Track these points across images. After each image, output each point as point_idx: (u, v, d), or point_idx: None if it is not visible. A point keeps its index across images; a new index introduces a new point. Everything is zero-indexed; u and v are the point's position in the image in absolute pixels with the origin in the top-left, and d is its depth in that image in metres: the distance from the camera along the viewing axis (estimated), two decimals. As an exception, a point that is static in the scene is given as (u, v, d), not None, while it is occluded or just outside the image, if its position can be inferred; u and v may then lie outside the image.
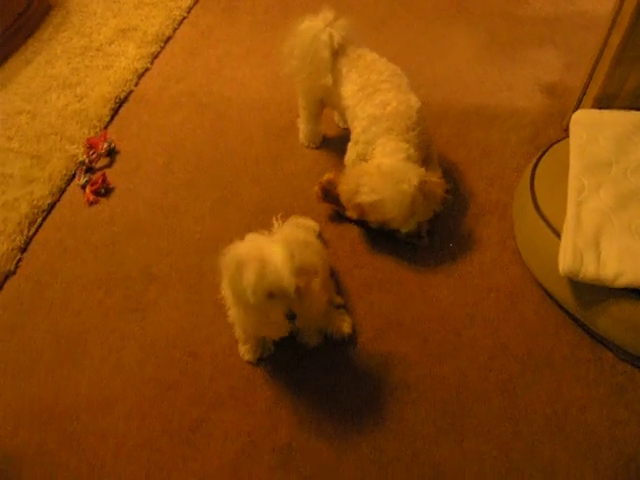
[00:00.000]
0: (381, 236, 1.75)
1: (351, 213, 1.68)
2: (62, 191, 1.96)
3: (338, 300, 1.57)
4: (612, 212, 1.48)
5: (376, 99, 1.61)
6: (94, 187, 1.93)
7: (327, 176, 1.73)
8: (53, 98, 2.29)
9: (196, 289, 1.67)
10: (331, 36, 1.69)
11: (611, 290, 1.39)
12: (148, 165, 2.05)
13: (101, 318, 1.62)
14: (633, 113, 1.74)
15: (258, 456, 1.34)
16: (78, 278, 1.72)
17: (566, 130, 1.78)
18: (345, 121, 1.94)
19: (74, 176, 1.99)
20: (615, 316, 1.40)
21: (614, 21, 1.74)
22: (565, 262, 1.40)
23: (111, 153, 2.08)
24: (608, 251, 1.40)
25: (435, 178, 1.55)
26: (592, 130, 1.70)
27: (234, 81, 2.37)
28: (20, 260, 1.77)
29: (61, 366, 1.53)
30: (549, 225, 1.54)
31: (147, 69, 2.45)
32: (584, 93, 1.95)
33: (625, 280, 1.35)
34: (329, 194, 1.73)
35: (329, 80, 1.72)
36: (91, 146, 2.04)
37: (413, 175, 1.49)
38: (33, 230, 1.83)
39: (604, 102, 1.85)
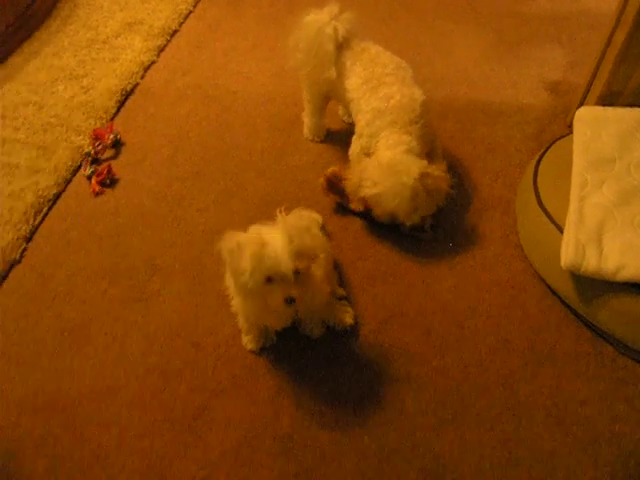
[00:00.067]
0: (384, 229, 1.76)
1: (355, 205, 1.69)
2: (68, 182, 1.97)
3: (341, 292, 1.58)
4: (615, 207, 1.48)
5: (380, 92, 1.62)
6: (99, 178, 1.94)
7: (332, 169, 1.74)
8: (60, 89, 2.30)
9: (199, 280, 1.68)
10: (336, 29, 1.70)
11: (612, 284, 1.40)
12: (153, 157, 2.06)
13: (105, 308, 1.64)
14: (637, 110, 1.74)
15: (259, 444, 1.36)
16: (82, 268, 1.74)
17: (570, 127, 1.79)
18: (349, 115, 1.96)
19: (80, 167, 2.01)
20: (616, 310, 1.41)
21: (618, 19, 1.74)
22: (567, 256, 1.40)
23: (117, 144, 2.09)
24: (610, 246, 1.41)
25: (439, 172, 1.56)
26: (596, 127, 1.70)
27: (240, 74, 2.38)
28: (25, 249, 1.78)
29: (64, 355, 1.54)
30: (552, 220, 1.55)
31: (153, 62, 2.46)
32: (588, 90, 1.95)
33: (626, 274, 1.35)
34: (334, 186, 1.74)
35: (333, 73, 1.73)
36: (97, 137, 2.05)
37: (413, 167, 1.50)
38: (39, 220, 1.85)
39: (608, 99, 1.86)
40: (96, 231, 1.83)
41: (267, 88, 2.32)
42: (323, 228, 1.71)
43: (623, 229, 1.44)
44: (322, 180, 1.75)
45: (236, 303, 1.40)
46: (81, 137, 2.09)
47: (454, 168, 1.92)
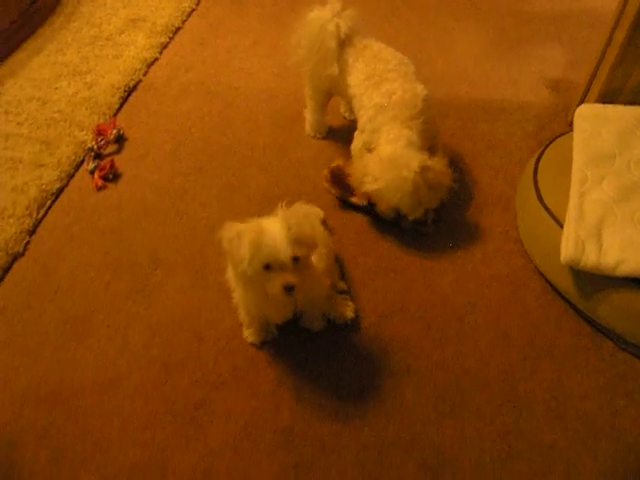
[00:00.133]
0: (385, 225, 1.77)
1: (357, 200, 1.70)
2: (71, 176, 1.99)
3: (342, 286, 1.59)
4: (614, 203, 1.49)
5: (382, 88, 1.63)
6: (102, 173, 1.95)
7: (336, 163, 1.77)
8: (63, 85, 2.32)
9: (201, 274, 1.69)
10: (338, 26, 1.71)
11: (611, 279, 1.41)
12: (156, 152, 2.07)
13: (107, 300, 1.65)
14: (637, 108, 1.75)
15: (260, 436, 1.36)
16: (85, 261, 1.75)
17: (570, 125, 1.80)
18: (351, 112, 1.97)
19: (83, 162, 2.02)
20: (615, 305, 1.42)
21: (618, 18, 1.75)
22: (567, 251, 1.41)
23: (120, 140, 2.10)
24: (610, 241, 1.42)
25: (440, 165, 1.57)
26: (596, 124, 1.71)
27: (242, 71, 2.39)
28: (28, 243, 1.79)
29: (67, 347, 1.55)
30: (552, 215, 1.56)
31: (156, 59, 2.48)
32: (588, 88, 1.96)
33: (626, 269, 1.36)
34: (337, 179, 1.76)
35: (335, 70, 1.74)
36: (100, 133, 2.07)
37: (413, 161, 1.51)
38: (42, 214, 1.86)
39: (608, 97, 1.87)
40: (99, 225, 1.84)
41: (269, 85, 2.34)
42: (324, 223, 1.72)
43: (623, 225, 1.45)
44: (326, 172, 1.77)
45: (237, 296, 1.41)
46: (84, 132, 2.10)
47: (455, 165, 1.93)
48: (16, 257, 1.75)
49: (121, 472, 1.32)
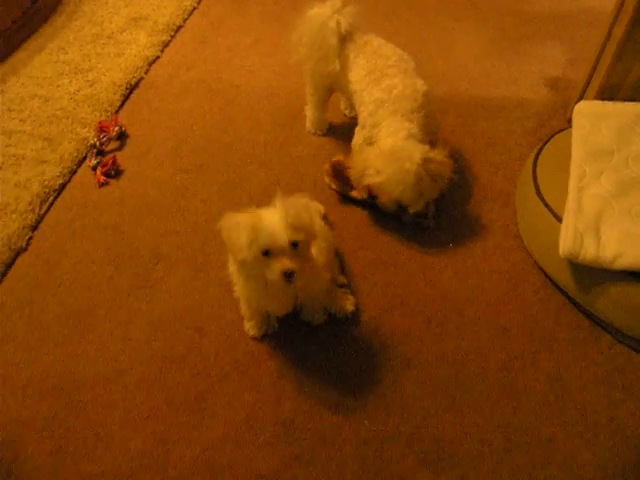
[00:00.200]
0: (386, 219, 1.79)
1: (357, 193, 1.72)
2: (73, 172, 2.00)
3: (342, 279, 1.60)
4: (613, 198, 1.51)
5: (383, 83, 1.65)
6: (104, 169, 1.96)
7: (337, 158, 1.78)
8: (65, 83, 2.33)
9: (203, 268, 1.70)
10: (338, 23, 1.72)
11: (610, 273, 1.42)
12: (158, 149, 2.09)
13: (110, 295, 1.66)
14: (635, 104, 1.76)
15: (261, 428, 1.37)
16: (88, 256, 1.76)
17: (569, 122, 1.81)
18: (352, 109, 1.99)
19: (85, 158, 2.04)
20: (614, 299, 1.43)
21: (617, 15, 1.77)
22: (565, 244, 1.43)
23: (122, 137, 2.11)
24: (608, 234, 1.43)
25: (441, 156, 1.57)
26: (595, 120, 1.72)
27: (243, 69, 2.41)
28: (31, 238, 1.81)
29: (70, 340, 1.56)
30: (550, 210, 1.57)
31: (157, 57, 2.49)
32: (587, 85, 1.98)
33: (624, 262, 1.37)
34: (338, 173, 1.78)
35: (337, 66, 1.76)
36: (102, 129, 2.08)
37: (415, 153, 1.52)
38: (44, 209, 1.87)
39: (607, 94, 1.88)
40: (101, 221, 1.85)
41: (270, 83, 2.35)
42: (325, 218, 1.74)
43: (621, 218, 1.46)
44: (327, 166, 1.79)
45: (238, 289, 1.42)
46: (86, 129, 2.12)
47: (455, 161, 1.93)
48: (19, 252, 1.76)
49: (123, 464, 1.33)
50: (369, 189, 1.64)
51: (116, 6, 2.78)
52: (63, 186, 1.96)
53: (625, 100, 1.80)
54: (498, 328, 1.54)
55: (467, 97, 2.22)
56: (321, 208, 1.72)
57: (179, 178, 1.98)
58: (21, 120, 2.17)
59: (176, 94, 2.31)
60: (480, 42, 2.50)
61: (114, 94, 2.26)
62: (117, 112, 2.22)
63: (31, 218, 1.83)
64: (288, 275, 1.16)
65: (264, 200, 1.83)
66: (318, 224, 1.45)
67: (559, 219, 1.52)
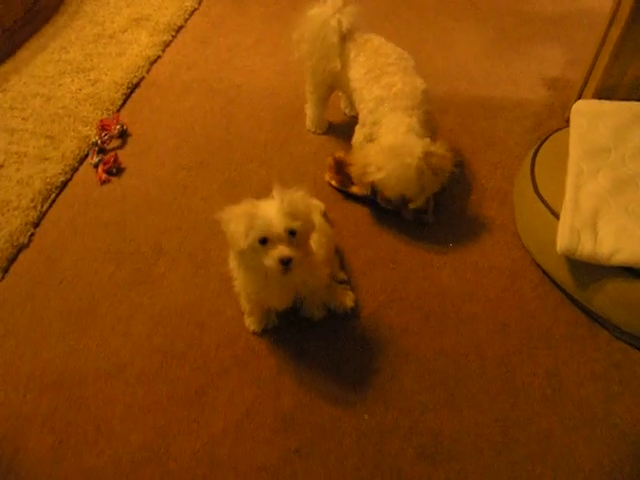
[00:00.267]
0: (385, 217, 1.80)
1: (357, 189, 1.73)
2: (75, 170, 2.01)
3: (342, 276, 1.62)
4: (610, 195, 1.52)
5: (382, 81, 1.67)
6: (106, 166, 1.98)
7: (338, 154, 1.79)
8: (67, 82, 2.35)
9: (203, 264, 1.72)
10: (340, 22, 1.74)
11: (607, 269, 1.43)
12: (159, 147, 2.10)
13: (111, 290, 1.67)
14: (632, 104, 1.78)
15: (261, 421, 1.39)
16: (89, 252, 1.77)
17: (567, 121, 1.83)
18: (352, 108, 2.01)
19: (87, 156, 2.05)
20: (611, 295, 1.44)
21: (614, 15, 1.79)
22: (563, 241, 1.44)
23: (123, 135, 2.13)
24: (605, 230, 1.44)
25: (442, 150, 1.58)
26: (592, 119, 1.74)
27: (244, 69, 2.43)
28: (33, 235, 1.82)
29: (71, 335, 1.57)
30: (548, 207, 1.58)
31: (159, 56, 2.52)
32: (585, 85, 2.00)
33: (621, 258, 1.39)
34: (341, 168, 1.80)
35: (337, 64, 1.77)
36: (104, 127, 2.10)
37: (416, 147, 1.53)
38: (46, 206, 1.89)
39: (604, 94, 1.90)
40: (103, 217, 1.87)
41: (270, 82, 2.37)
42: (325, 215, 1.75)
43: (618, 215, 1.48)
44: (330, 160, 1.81)
45: (239, 284, 1.43)
46: (88, 127, 2.14)
47: (455, 155, 1.94)
48: (21, 248, 1.78)
49: (124, 457, 1.34)
50: (372, 185, 1.65)
51: (118, 6, 2.80)
52: (65, 183, 1.97)
53: (622, 100, 1.82)
54: (496, 324, 1.55)
55: (467, 97, 2.24)
56: (321, 205, 1.73)
57: (180, 176, 1.99)
58: (23, 118, 2.18)
59: (177, 93, 2.33)
60: (480, 42, 2.52)
61: (116, 93, 2.28)
62: (119, 111, 2.24)
63: (33, 215, 1.84)
64: (285, 262, 1.17)
65: (264, 197, 1.87)
66: (318, 220, 1.46)
67: (556, 216, 1.53)
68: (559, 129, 1.85)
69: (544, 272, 1.64)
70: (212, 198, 1.91)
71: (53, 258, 1.76)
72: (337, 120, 2.17)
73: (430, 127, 1.70)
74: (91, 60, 2.47)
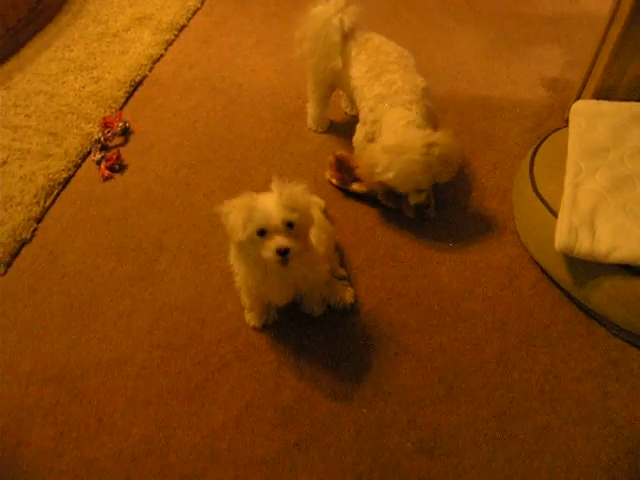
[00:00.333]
0: (385, 214, 1.82)
1: (358, 187, 1.75)
2: (78, 166, 2.03)
3: (341, 272, 1.63)
4: (608, 193, 1.54)
5: (383, 79, 1.68)
6: (109, 163, 1.99)
7: (339, 152, 1.83)
8: (70, 80, 2.37)
9: (205, 260, 1.73)
10: (342, 21, 1.76)
11: (604, 267, 1.44)
12: (161, 145, 2.12)
13: (113, 285, 1.68)
14: (631, 104, 1.79)
15: (261, 415, 1.40)
16: (91, 248, 1.79)
17: (566, 121, 1.84)
18: (352, 107, 2.02)
19: (89, 153, 2.07)
20: (608, 292, 1.46)
21: (613, 16, 1.80)
22: (561, 238, 1.45)
23: (126, 132, 2.15)
24: (603, 228, 1.45)
25: (445, 137, 1.58)
26: (591, 119, 1.75)
27: (246, 68, 2.44)
28: (36, 230, 1.84)
29: (73, 329, 1.59)
30: (547, 206, 1.60)
31: (161, 55, 2.53)
32: (584, 86, 2.01)
33: (618, 255, 1.40)
34: (342, 165, 1.82)
35: (339, 63, 1.79)
36: (106, 125, 2.11)
37: (418, 142, 1.54)
38: (49, 202, 1.90)
39: (603, 94, 1.91)
40: (105, 213, 1.88)
41: (272, 82, 2.38)
42: (325, 212, 1.76)
43: (616, 213, 1.49)
44: (331, 158, 1.82)
45: (239, 278, 1.44)
46: (91, 125, 2.15)
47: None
48: (24, 243, 1.79)
49: (125, 449, 1.36)
50: (384, 185, 1.66)
51: (121, 5, 2.82)
52: (68, 180, 1.99)
53: (621, 100, 1.83)
54: (495, 321, 1.57)
55: (467, 96, 2.26)
56: (322, 202, 1.75)
57: (182, 173, 2.01)
58: (27, 115, 2.20)
59: (179, 92, 2.35)
60: (480, 43, 2.53)
61: (118, 91, 2.30)
62: (121, 108, 2.25)
63: (36, 210, 1.86)
64: (282, 252, 1.18)
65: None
66: (318, 216, 1.48)
67: (555, 214, 1.55)
68: (558, 129, 1.86)
69: (542, 270, 1.65)
70: (213, 195, 1.93)
71: (55, 253, 1.77)
72: (338, 119, 2.18)
73: (432, 121, 1.71)
74: (94, 58, 2.49)
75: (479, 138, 2.08)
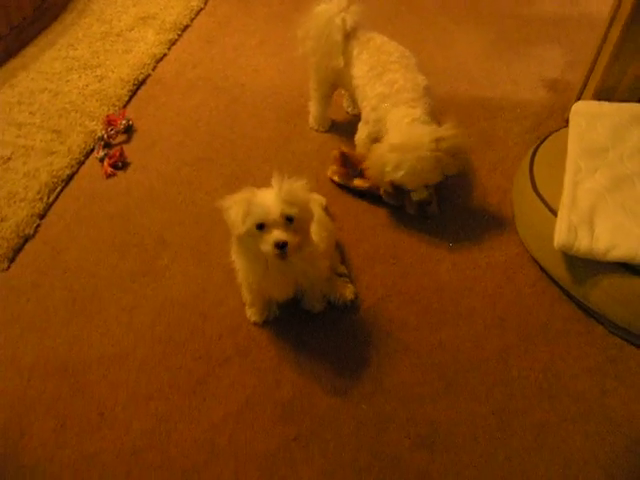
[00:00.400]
0: (386, 211, 1.83)
1: (360, 183, 1.78)
2: (81, 163, 2.05)
3: (342, 269, 1.64)
4: (607, 192, 1.55)
5: (385, 78, 1.70)
6: (112, 160, 2.01)
7: (343, 148, 1.84)
8: (74, 78, 2.39)
9: (206, 257, 1.74)
10: (344, 20, 1.78)
11: (603, 265, 1.45)
12: (164, 143, 2.13)
13: (115, 281, 1.70)
14: (631, 105, 1.81)
15: (261, 409, 1.41)
16: (94, 244, 1.80)
17: (566, 122, 1.85)
18: (354, 106, 2.04)
19: (93, 150, 2.08)
20: (607, 290, 1.46)
21: (613, 17, 1.81)
22: (560, 236, 1.46)
23: (129, 130, 2.16)
24: (602, 227, 1.46)
25: (450, 131, 1.59)
26: (591, 119, 1.77)
27: (248, 68, 2.46)
28: (39, 226, 1.85)
29: (75, 323, 1.60)
30: (546, 205, 1.61)
31: (165, 55, 2.55)
32: (584, 87, 2.02)
33: (617, 254, 1.41)
34: (346, 160, 1.83)
35: (341, 62, 1.81)
36: (110, 123, 2.13)
37: (425, 138, 1.56)
38: (52, 198, 1.92)
39: (603, 95, 1.93)
40: (107, 210, 1.90)
41: (274, 82, 2.40)
42: (326, 210, 1.78)
43: (615, 212, 1.50)
44: (336, 152, 1.83)
45: (241, 274, 1.45)
46: (94, 122, 2.17)
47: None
48: (27, 239, 1.81)
49: (126, 442, 1.37)
50: (395, 184, 1.67)
51: (125, 5, 2.84)
52: (71, 176, 2.01)
53: (621, 101, 1.85)
54: (494, 319, 1.58)
55: (467, 97, 2.27)
56: (322, 200, 1.76)
57: (184, 171, 2.03)
58: (31, 113, 2.22)
59: (182, 91, 2.37)
60: (480, 43, 2.55)
61: (122, 89, 2.32)
62: (125, 107, 2.27)
63: (39, 206, 1.87)
64: (280, 246, 1.20)
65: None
66: (319, 213, 1.49)
67: (554, 213, 1.56)
68: (558, 129, 1.88)
69: (542, 268, 1.66)
70: (215, 193, 1.94)
71: (58, 249, 1.79)
72: (340, 118, 2.20)
73: (435, 118, 1.72)
74: (98, 57, 2.51)
75: (479, 138, 2.10)
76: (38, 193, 1.90)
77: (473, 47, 2.53)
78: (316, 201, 1.69)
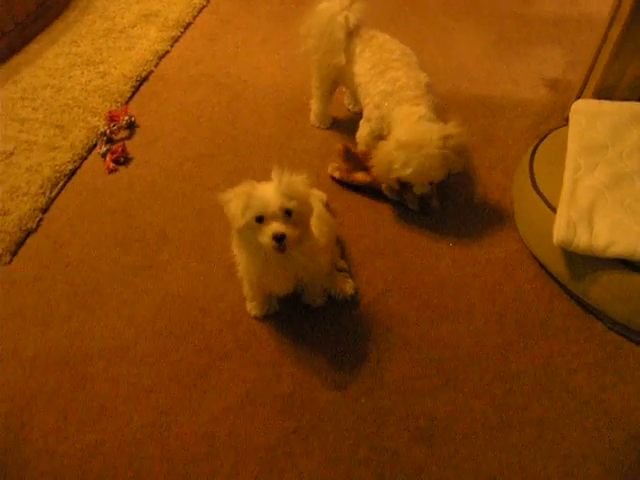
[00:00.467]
0: (386, 207, 1.84)
1: (362, 178, 1.81)
2: (83, 159, 2.06)
3: (342, 264, 1.65)
4: (606, 189, 1.56)
5: (387, 76, 1.71)
6: (114, 156, 2.02)
7: (345, 145, 1.85)
8: (77, 74, 2.40)
9: (207, 251, 1.75)
10: (347, 18, 1.79)
11: (602, 261, 1.46)
12: (166, 139, 2.14)
13: (116, 275, 1.71)
14: (631, 104, 1.82)
15: (261, 402, 1.42)
16: (95, 238, 1.81)
17: (566, 121, 1.87)
18: (355, 103, 2.05)
19: (95, 145, 2.09)
20: (606, 286, 1.47)
21: (613, 17, 1.82)
22: (559, 232, 1.47)
23: (131, 126, 2.17)
24: (601, 224, 1.47)
25: (457, 129, 1.61)
26: (591, 118, 1.78)
27: (250, 65, 2.47)
28: (41, 220, 1.86)
29: (77, 316, 1.61)
30: (546, 202, 1.62)
31: (167, 51, 2.56)
32: (585, 86, 2.03)
33: (616, 250, 1.42)
34: (349, 155, 1.84)
35: (342, 59, 1.82)
36: (112, 118, 2.14)
37: (433, 135, 1.57)
38: (55, 193, 1.93)
39: (603, 94, 1.93)
40: (109, 205, 1.91)
41: (276, 79, 2.41)
42: (327, 206, 1.79)
43: (614, 209, 1.51)
44: (340, 146, 1.83)
45: (242, 268, 1.46)
46: (97, 118, 2.18)
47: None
48: (29, 233, 1.82)
49: (126, 434, 1.38)
50: (401, 181, 1.68)
51: (128, 2, 2.85)
52: (73, 171, 2.02)
53: (621, 100, 1.86)
54: (493, 314, 1.59)
55: (467, 96, 2.28)
56: (323, 195, 1.77)
57: (186, 167, 2.03)
58: (34, 108, 2.23)
59: (185, 87, 2.38)
60: (481, 43, 2.56)
61: (124, 85, 2.33)
62: (127, 103, 2.28)
63: (42, 201, 1.88)
64: (278, 239, 1.20)
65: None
66: (319, 209, 1.50)
67: (553, 209, 1.57)
68: (558, 127, 1.89)
69: (541, 265, 1.67)
70: (217, 188, 1.93)
71: (60, 243, 1.80)
72: (341, 116, 2.21)
73: (440, 115, 1.73)
74: (101, 54, 2.52)
75: (480, 136, 2.10)
76: (41, 188, 1.91)
77: (474, 47, 2.54)
78: (317, 196, 1.70)
